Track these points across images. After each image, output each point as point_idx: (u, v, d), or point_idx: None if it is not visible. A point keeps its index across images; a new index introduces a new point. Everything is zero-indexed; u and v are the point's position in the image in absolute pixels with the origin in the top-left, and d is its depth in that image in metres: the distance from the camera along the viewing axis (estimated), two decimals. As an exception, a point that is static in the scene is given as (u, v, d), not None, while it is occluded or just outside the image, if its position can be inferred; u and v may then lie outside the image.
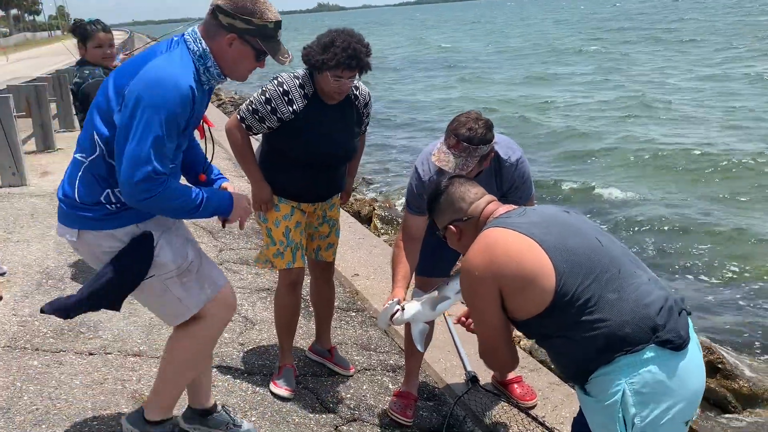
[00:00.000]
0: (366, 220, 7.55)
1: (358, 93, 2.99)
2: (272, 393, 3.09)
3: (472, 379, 3.33)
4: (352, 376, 3.38)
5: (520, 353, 3.72)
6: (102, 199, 2.05)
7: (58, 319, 2.20)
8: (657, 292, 1.77)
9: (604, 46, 31.59)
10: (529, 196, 2.70)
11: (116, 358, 3.26)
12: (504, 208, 2.05)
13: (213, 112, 13.45)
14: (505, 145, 2.60)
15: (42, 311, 2.14)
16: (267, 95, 2.82)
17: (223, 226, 2.35)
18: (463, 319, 2.48)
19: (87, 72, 3.87)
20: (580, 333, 1.72)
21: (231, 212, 2.20)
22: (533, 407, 3.16)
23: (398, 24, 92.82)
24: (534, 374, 3.47)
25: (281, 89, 2.81)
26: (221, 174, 2.48)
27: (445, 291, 2.62)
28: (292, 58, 2.13)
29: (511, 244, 1.82)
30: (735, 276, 6.26)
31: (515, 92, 19.07)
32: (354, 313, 4.27)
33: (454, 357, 3.57)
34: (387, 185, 10.16)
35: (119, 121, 1.94)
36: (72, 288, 4.05)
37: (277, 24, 2.06)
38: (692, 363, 1.74)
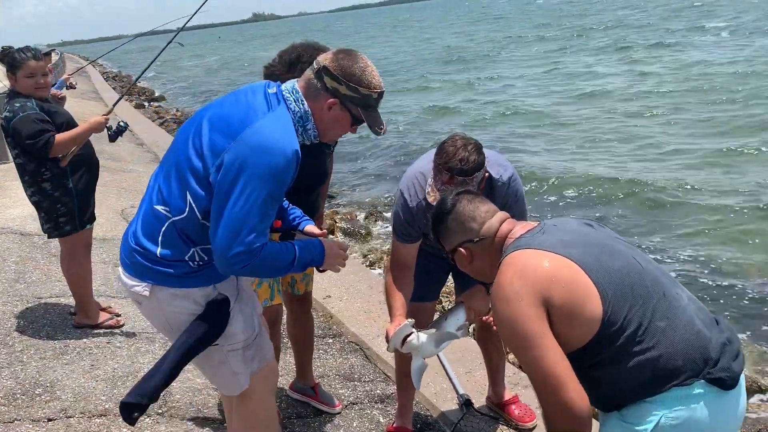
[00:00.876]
0: (328, 232, 7.34)
1: None
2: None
3: (466, 403, 3.19)
4: (339, 413, 3.16)
5: (511, 368, 3.59)
6: (186, 257, 1.90)
7: (7, 382, 1.95)
8: (701, 316, 1.63)
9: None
10: (523, 214, 2.54)
11: (79, 421, 2.94)
12: (521, 227, 1.83)
13: (156, 132, 12.97)
14: (495, 163, 2.44)
15: (123, 405, 1.90)
16: None
17: (321, 271, 2.19)
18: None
19: (18, 105, 3.52)
20: (625, 365, 1.56)
21: (324, 261, 2.04)
22: (533, 429, 3.02)
23: (328, 31, 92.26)
24: (529, 391, 3.32)
25: None
26: (303, 215, 2.32)
27: (447, 327, 2.46)
28: (386, 130, 1.99)
29: (551, 265, 1.59)
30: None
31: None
32: (331, 340, 4.06)
33: (443, 379, 3.41)
34: (347, 197, 9.92)
35: (218, 185, 1.79)
36: (23, 345, 3.69)
37: (381, 94, 1.94)
38: (735, 405, 1.61)
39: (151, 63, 4.40)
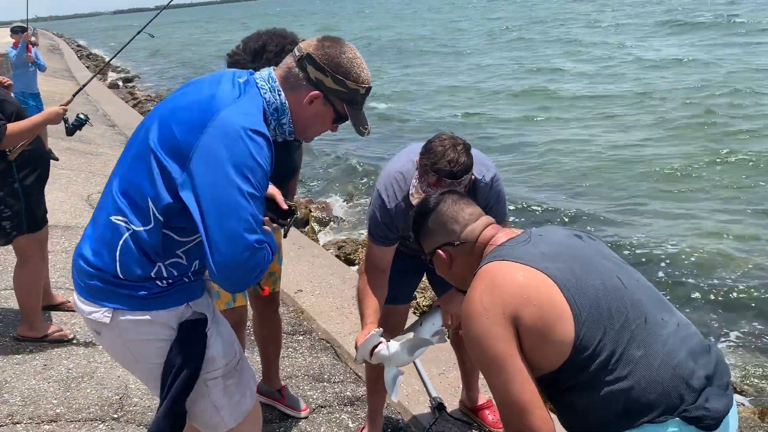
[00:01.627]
0: (301, 223, 7.17)
1: None
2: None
3: (439, 407, 3.07)
4: (306, 417, 3.03)
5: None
6: (152, 274, 1.63)
7: None
8: (688, 345, 1.49)
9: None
10: (503, 216, 2.41)
11: (27, 428, 2.76)
12: (505, 234, 1.71)
13: (129, 114, 12.63)
14: (478, 163, 2.30)
15: None
16: None
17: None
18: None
19: None
20: (598, 393, 1.43)
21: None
22: (508, 434, 2.92)
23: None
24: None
25: None
26: None
27: (422, 332, 2.33)
28: (370, 130, 1.80)
29: (525, 281, 1.48)
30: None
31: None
32: (301, 337, 3.91)
33: (415, 381, 3.28)
34: (322, 185, 9.74)
35: (194, 188, 1.54)
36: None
37: (368, 90, 1.74)
38: None
39: (120, 51, 4.18)
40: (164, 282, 1.64)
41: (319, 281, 4.66)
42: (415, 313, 4.56)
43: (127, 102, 15.41)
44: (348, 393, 3.27)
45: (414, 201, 2.13)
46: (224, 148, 1.51)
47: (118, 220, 1.61)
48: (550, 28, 30.85)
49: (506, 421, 1.50)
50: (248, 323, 3.08)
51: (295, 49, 1.71)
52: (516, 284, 1.48)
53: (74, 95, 3.96)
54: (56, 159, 3.90)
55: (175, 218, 1.59)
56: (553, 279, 1.47)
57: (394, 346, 2.20)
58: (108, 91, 17.28)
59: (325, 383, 3.36)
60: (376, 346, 2.17)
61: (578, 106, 13.72)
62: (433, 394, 3.14)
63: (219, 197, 1.51)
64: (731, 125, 10.80)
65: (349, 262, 5.75)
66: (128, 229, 1.60)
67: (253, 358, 3.41)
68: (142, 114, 13.00)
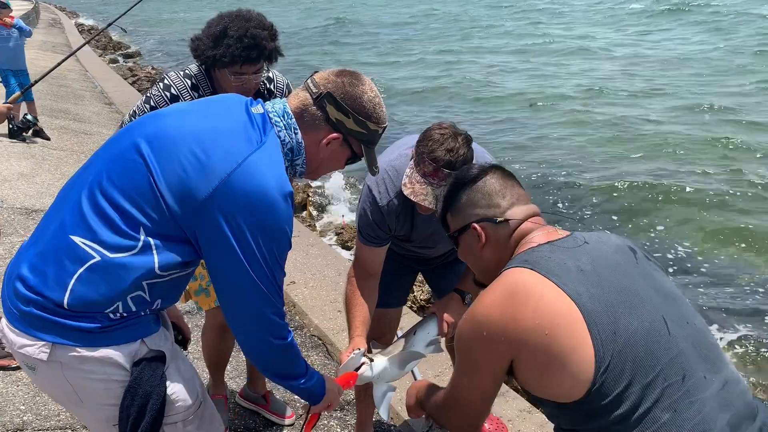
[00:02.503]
0: (299, 208, 6.98)
1: (272, 86, 2.42)
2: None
3: (434, 414, 2.90)
4: (292, 424, 2.86)
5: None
6: (108, 309, 1.38)
7: None
8: (731, 410, 1.26)
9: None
10: None
11: (-9, 437, 2.59)
12: (545, 233, 1.46)
13: (128, 91, 12.37)
14: (480, 158, 2.09)
15: None
16: (152, 103, 2.22)
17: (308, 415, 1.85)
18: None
19: None
20: None
21: (323, 397, 1.71)
22: (506, 445, 2.75)
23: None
24: (500, 400, 3.03)
25: (168, 94, 2.22)
26: None
27: (415, 343, 2.14)
28: (378, 169, 1.73)
29: (546, 303, 1.27)
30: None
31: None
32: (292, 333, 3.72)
33: (409, 384, 3.10)
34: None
35: (207, 252, 1.41)
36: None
37: (384, 130, 1.63)
38: None
39: (102, 30, 3.91)
40: (117, 315, 1.40)
41: (313, 273, 4.47)
42: (411, 308, 4.37)
43: (126, 78, 15.12)
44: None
45: (406, 191, 1.92)
46: (249, 213, 1.35)
47: (84, 243, 1.36)
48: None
49: (441, 414, 1.58)
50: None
51: (310, 83, 1.54)
52: (532, 306, 1.27)
53: (35, 83, 3.71)
54: (48, 138, 3.67)
55: (167, 251, 1.39)
56: (582, 310, 1.25)
57: (380, 363, 2.01)
58: (106, 67, 16.98)
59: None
60: (358, 368, 1.97)
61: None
62: (428, 400, 2.98)
63: (248, 263, 1.38)
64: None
65: (347, 250, 5.56)
66: (95, 257, 1.35)
67: (240, 357, 3.24)
68: (140, 92, 12.72)
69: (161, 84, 2.24)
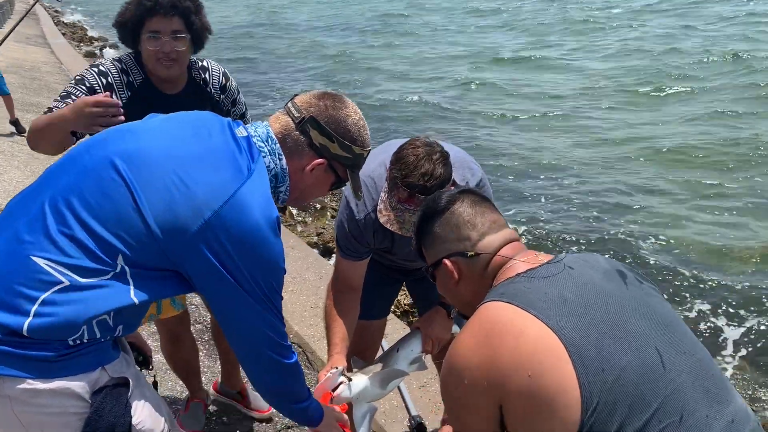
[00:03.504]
0: (280, 209, 6.80)
1: (206, 75, 2.24)
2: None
3: (419, 427, 2.82)
4: (269, 419, 2.84)
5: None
6: (71, 338, 1.24)
7: None
8: None
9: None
10: None
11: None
12: (525, 259, 1.36)
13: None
14: (462, 166, 1.98)
15: None
16: (87, 84, 2.04)
17: None
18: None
19: None
20: None
21: (321, 421, 1.66)
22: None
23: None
24: None
25: (105, 80, 2.06)
26: None
27: (398, 361, 2.03)
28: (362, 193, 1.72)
29: (526, 339, 1.17)
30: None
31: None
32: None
33: (394, 395, 2.99)
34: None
35: (203, 288, 1.34)
36: None
37: (368, 153, 1.58)
38: None
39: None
40: (76, 341, 1.25)
41: (293, 276, 4.32)
42: (394, 312, 4.25)
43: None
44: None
45: (382, 219, 1.81)
46: (243, 250, 1.28)
47: (50, 264, 1.22)
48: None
49: None
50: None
51: (291, 107, 1.47)
52: (512, 344, 1.17)
53: None
54: (24, 131, 3.50)
55: (146, 281, 1.27)
56: (566, 344, 1.14)
57: (360, 383, 1.90)
58: (83, 60, 16.61)
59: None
60: (335, 388, 1.86)
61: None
62: (413, 412, 2.87)
63: (249, 325, 1.37)
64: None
65: (327, 252, 5.42)
66: (62, 281, 1.21)
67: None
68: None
69: (94, 69, 2.07)
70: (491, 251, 1.38)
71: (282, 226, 5.13)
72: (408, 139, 1.88)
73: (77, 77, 2.05)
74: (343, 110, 1.49)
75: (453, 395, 1.30)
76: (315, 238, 5.74)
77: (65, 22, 29.74)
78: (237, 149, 1.35)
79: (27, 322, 1.19)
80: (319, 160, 1.48)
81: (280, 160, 1.45)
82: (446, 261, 1.42)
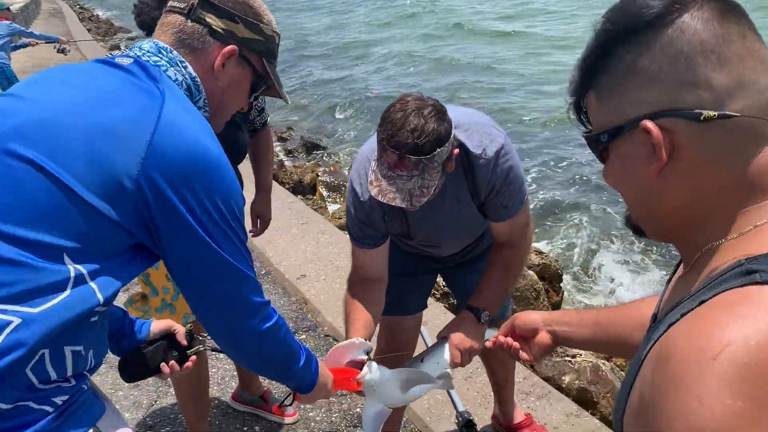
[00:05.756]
0: (309, 189, 6.59)
1: None
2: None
3: (467, 424, 2.57)
4: (296, 422, 2.65)
5: (521, 373, 2.88)
6: (38, 390, 0.99)
7: None
8: None
9: None
10: (517, 206, 1.75)
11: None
12: None
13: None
14: (476, 131, 1.67)
15: None
16: None
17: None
18: (503, 339, 1.45)
19: None
20: None
21: (312, 390, 1.43)
22: (553, 460, 2.40)
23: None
24: (543, 403, 2.67)
25: None
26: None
27: (426, 368, 1.73)
28: (288, 99, 1.42)
29: None
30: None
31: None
32: (304, 335, 3.40)
33: (439, 391, 2.75)
34: (332, 147, 9.05)
35: (164, 239, 1.05)
36: None
37: (280, 37, 1.32)
38: None
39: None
40: (57, 402, 1.01)
41: (324, 263, 4.11)
42: (433, 295, 3.99)
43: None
44: (358, 410, 2.76)
45: (373, 191, 1.53)
46: (192, 174, 1.03)
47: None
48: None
49: None
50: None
51: (173, 2, 1.18)
52: None
53: None
54: None
55: (105, 271, 1.01)
56: None
57: (383, 371, 1.64)
58: (105, 54, 16.65)
59: (330, 398, 2.84)
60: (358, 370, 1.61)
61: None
62: (460, 408, 2.62)
63: (218, 280, 1.12)
64: None
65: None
66: (12, 320, 0.93)
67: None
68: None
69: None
70: (757, 128, 0.66)
71: (311, 210, 4.85)
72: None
73: None
74: None
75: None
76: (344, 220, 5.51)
77: (89, 17, 29.93)
78: (133, 77, 1.08)
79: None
80: (228, 48, 1.20)
81: (185, 68, 1.17)
82: (648, 123, 0.68)
